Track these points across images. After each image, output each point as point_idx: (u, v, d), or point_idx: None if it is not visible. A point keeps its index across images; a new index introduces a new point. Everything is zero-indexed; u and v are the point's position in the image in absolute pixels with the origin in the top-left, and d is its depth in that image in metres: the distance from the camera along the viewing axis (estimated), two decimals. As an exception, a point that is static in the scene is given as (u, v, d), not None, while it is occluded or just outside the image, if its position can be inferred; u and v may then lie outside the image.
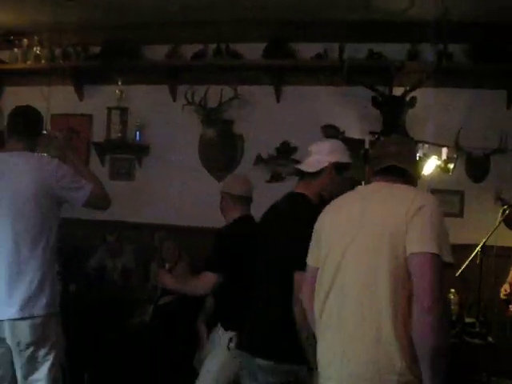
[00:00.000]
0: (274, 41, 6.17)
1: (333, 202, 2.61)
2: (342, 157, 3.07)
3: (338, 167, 3.04)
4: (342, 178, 3.06)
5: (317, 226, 2.56)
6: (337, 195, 2.66)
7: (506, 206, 4.77)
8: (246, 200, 3.84)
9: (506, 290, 5.05)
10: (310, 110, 6.20)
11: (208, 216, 6.19)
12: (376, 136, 4.77)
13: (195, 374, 3.82)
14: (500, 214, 4.78)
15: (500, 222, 4.75)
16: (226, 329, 3.58)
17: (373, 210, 2.36)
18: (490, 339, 4.62)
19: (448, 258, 2.16)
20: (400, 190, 2.43)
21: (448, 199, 5.83)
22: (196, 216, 6.30)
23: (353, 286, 2.28)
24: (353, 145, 5.00)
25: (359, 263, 2.29)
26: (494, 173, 5.84)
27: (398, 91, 5.57)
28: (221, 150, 6.46)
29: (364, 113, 5.89)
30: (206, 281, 3.54)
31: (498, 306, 5.19)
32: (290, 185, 5.89)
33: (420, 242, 2.16)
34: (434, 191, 5.69)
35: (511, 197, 5.23)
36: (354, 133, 5.76)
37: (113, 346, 4.79)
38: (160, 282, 3.79)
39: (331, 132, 6.02)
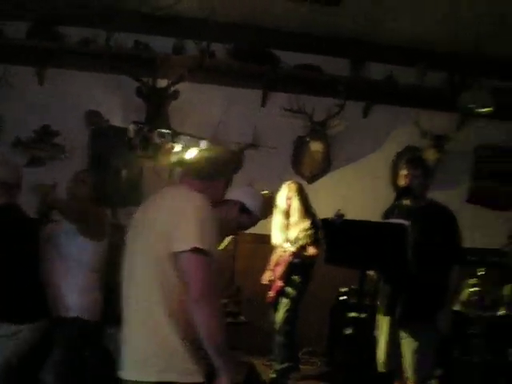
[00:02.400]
0: (39, 22, 5.95)
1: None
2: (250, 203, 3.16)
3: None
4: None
5: None
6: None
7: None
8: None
9: (269, 277, 5.50)
10: (74, 95, 6.09)
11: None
12: (140, 125, 4.89)
13: None
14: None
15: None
16: None
17: (150, 211, 2.56)
18: (242, 318, 5.08)
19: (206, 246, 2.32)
20: (173, 191, 2.64)
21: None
22: None
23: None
24: (117, 133, 5.12)
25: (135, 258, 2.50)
26: (247, 165, 6.29)
27: (162, 83, 5.75)
28: (-24, 131, 6.09)
29: (128, 102, 5.95)
30: None
31: (249, 288, 5.75)
32: (50, 169, 5.91)
33: (182, 240, 2.31)
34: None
35: (261, 188, 5.68)
36: (118, 121, 5.84)
37: None
38: None
39: (95, 119, 6.02)
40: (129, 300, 2.49)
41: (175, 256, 2.31)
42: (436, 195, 4.39)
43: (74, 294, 3.66)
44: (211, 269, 2.32)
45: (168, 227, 2.36)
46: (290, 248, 5.26)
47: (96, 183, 3.84)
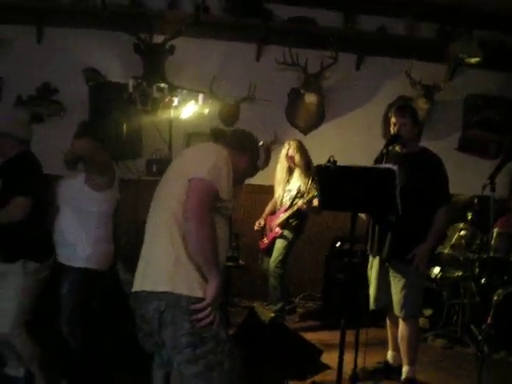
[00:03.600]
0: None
1: None
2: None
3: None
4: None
5: None
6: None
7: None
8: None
9: (260, 224, 5.77)
10: (72, 53, 6.20)
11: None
12: (139, 81, 5.02)
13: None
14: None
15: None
16: (8, 260, 3.63)
17: (178, 159, 2.95)
18: (240, 262, 5.37)
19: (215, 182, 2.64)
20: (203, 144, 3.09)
21: (203, 141, 6.31)
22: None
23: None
24: (116, 88, 5.25)
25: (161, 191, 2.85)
26: (243, 118, 6.46)
27: (158, 39, 5.86)
28: (-22, 91, 6.22)
29: (126, 58, 6.08)
30: (20, 205, 3.54)
31: (248, 235, 6.00)
32: (50, 126, 6.06)
33: (196, 171, 2.64)
34: (191, 134, 6.19)
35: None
36: (115, 77, 5.93)
37: None
38: None
39: (93, 75, 6.15)
40: (149, 225, 2.80)
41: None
42: (427, 144, 4.58)
43: (84, 244, 3.80)
44: (210, 200, 2.61)
45: (189, 165, 2.73)
46: (300, 201, 5.55)
47: (97, 135, 3.98)
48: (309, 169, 5.58)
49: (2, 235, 3.61)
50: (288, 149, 5.69)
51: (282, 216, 5.67)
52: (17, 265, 3.58)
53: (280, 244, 5.70)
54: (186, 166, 2.76)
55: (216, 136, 3.05)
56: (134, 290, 2.72)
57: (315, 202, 5.42)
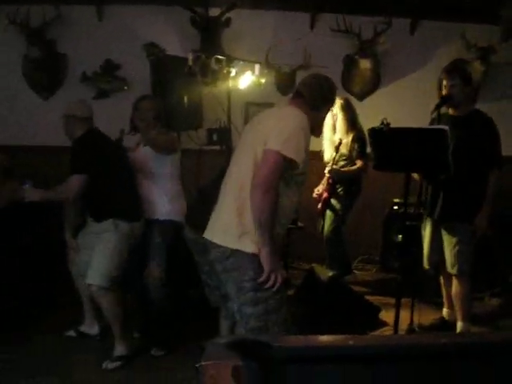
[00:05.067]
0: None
1: None
2: None
3: None
4: None
5: None
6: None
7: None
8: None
9: (318, 191, 5.82)
10: (132, 29, 6.45)
11: (36, 134, 6.41)
12: (198, 54, 5.18)
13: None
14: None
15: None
16: (100, 220, 4.03)
17: (255, 122, 3.05)
18: (299, 224, 5.61)
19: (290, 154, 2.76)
20: (280, 108, 3.16)
21: (261, 111, 6.47)
22: (24, 135, 6.41)
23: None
24: (177, 62, 5.44)
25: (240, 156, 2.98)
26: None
27: (214, 12, 6.02)
28: (45, 69, 6.53)
29: (183, 31, 6.29)
30: (75, 183, 3.90)
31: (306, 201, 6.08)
32: (114, 101, 6.34)
33: (273, 141, 2.75)
34: (249, 104, 6.36)
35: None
36: (174, 51, 6.12)
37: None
38: (27, 198, 3.92)
39: (153, 49, 6.36)
40: (225, 186, 2.98)
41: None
42: (484, 106, 4.59)
43: (164, 201, 4.24)
44: (280, 171, 2.74)
45: (267, 131, 2.82)
46: (339, 163, 5.57)
47: (159, 107, 4.27)
48: (352, 129, 5.55)
49: (92, 198, 4.01)
50: (333, 108, 5.70)
51: (326, 183, 5.64)
52: (109, 223, 3.97)
53: (330, 212, 5.70)
54: (262, 134, 2.83)
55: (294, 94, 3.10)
56: (205, 235, 2.96)
57: (358, 164, 5.50)
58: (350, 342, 1.75)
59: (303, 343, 1.85)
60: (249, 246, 2.78)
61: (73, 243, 4.34)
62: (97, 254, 3.95)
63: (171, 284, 4.27)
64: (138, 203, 4.17)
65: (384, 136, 3.75)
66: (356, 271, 6.35)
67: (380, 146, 3.90)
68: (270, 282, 2.75)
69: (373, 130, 3.90)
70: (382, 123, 3.73)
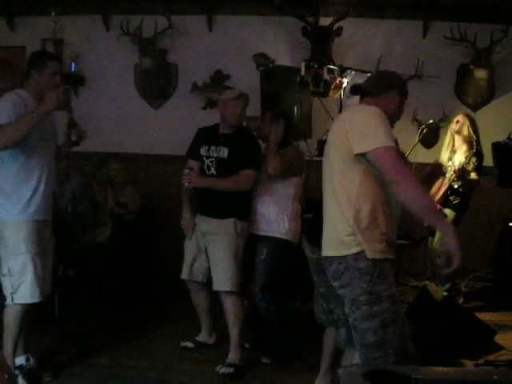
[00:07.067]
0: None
1: None
2: None
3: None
4: None
5: None
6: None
7: (423, 126, 5.29)
8: None
9: None
10: (242, 39, 6.50)
11: (146, 143, 6.56)
12: (311, 63, 5.13)
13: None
14: (418, 133, 5.30)
15: (418, 141, 5.29)
16: (222, 217, 4.04)
17: (332, 128, 2.95)
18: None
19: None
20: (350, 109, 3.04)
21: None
22: (134, 143, 6.58)
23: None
24: (288, 72, 5.41)
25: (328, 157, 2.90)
26: (411, 96, 6.34)
27: (324, 21, 5.96)
28: (156, 78, 6.69)
29: (292, 41, 6.27)
30: (249, 177, 4.02)
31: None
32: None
33: (370, 142, 2.65)
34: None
35: (425, 118, 5.80)
36: (283, 60, 6.14)
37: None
38: (193, 183, 4.03)
39: (262, 60, 6.38)
40: (325, 200, 2.89)
41: (363, 156, 2.66)
42: None
43: (283, 220, 4.20)
44: (399, 157, 2.68)
45: (344, 135, 2.72)
46: (454, 167, 5.34)
47: (287, 123, 4.30)
48: (471, 145, 5.34)
49: (217, 196, 4.03)
50: (460, 117, 5.50)
51: (439, 194, 5.45)
52: (229, 223, 4.00)
53: None
54: (347, 140, 2.70)
55: (360, 94, 2.98)
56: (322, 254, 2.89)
57: (472, 176, 5.28)
58: (495, 377, 1.65)
59: (445, 376, 1.75)
60: (358, 249, 2.70)
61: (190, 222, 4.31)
62: (221, 260, 3.99)
63: (276, 297, 4.24)
64: (250, 203, 4.21)
65: (510, 151, 3.56)
66: (464, 289, 6.06)
67: (505, 162, 3.70)
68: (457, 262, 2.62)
69: (497, 145, 3.71)
70: (509, 137, 3.54)
